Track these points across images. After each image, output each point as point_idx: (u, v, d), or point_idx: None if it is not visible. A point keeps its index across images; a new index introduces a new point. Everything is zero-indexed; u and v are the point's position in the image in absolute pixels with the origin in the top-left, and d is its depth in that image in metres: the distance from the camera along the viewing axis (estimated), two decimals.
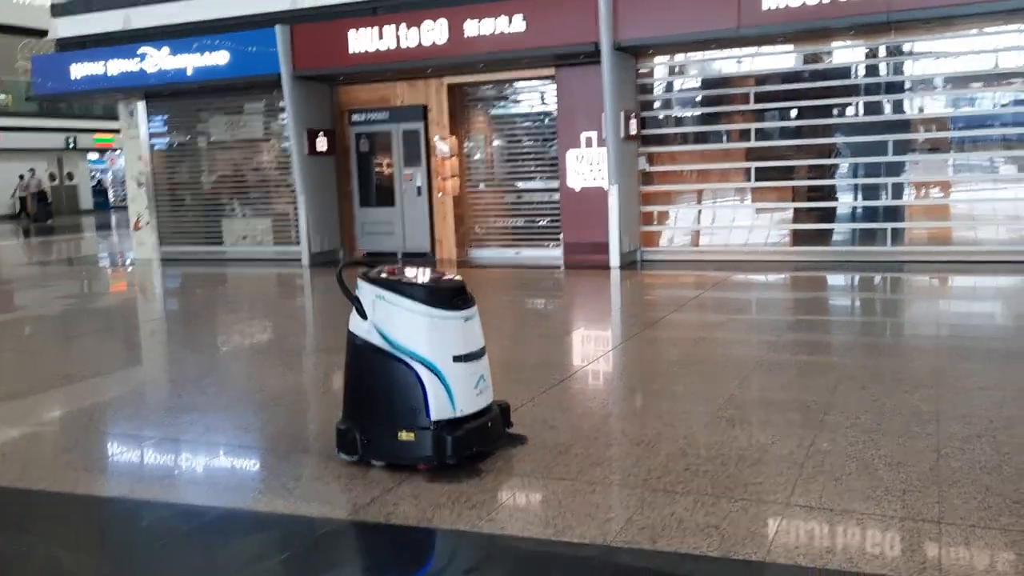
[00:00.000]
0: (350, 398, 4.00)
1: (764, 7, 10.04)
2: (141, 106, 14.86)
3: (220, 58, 12.97)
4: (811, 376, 5.58)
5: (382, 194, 13.46)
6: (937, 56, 10.64)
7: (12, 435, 4.98)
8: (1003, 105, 10.57)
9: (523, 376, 5.57)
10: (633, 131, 11.35)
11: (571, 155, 11.67)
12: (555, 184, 12.17)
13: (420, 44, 11.69)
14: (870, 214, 11.08)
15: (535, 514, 3.51)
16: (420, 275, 4.04)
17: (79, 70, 14.06)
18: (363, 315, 3.88)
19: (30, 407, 5.56)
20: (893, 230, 10.80)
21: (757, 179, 11.36)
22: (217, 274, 13.46)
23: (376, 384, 3.88)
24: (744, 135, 11.45)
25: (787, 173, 11.45)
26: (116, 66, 13.70)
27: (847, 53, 11.07)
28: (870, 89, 10.90)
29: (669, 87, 12.18)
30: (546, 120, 12.59)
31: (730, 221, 11.84)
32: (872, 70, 10.95)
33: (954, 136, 10.80)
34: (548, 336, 7.50)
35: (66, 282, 13.41)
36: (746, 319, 8.09)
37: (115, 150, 33.75)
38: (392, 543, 3.34)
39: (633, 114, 11.36)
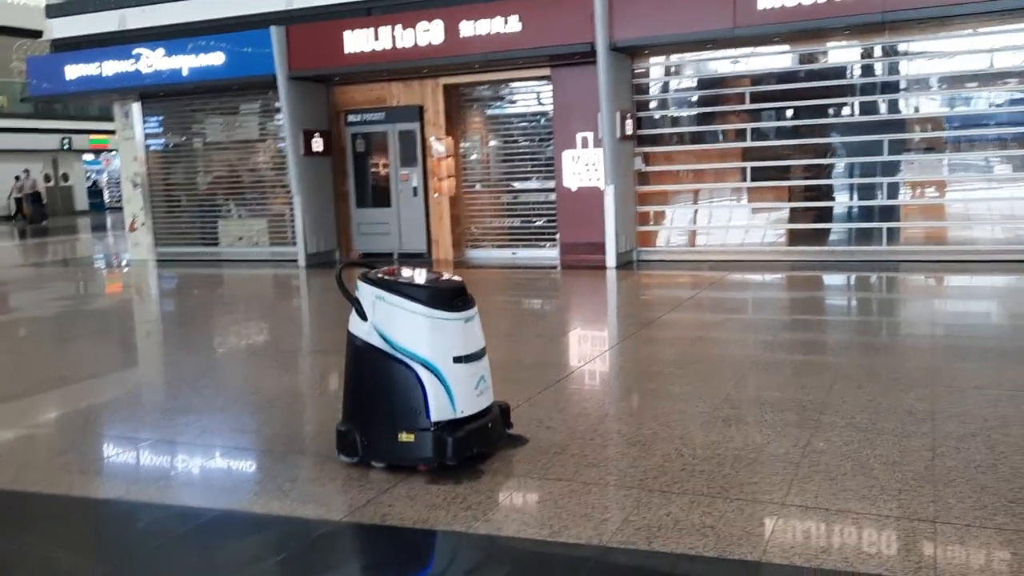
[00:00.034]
0: (350, 399, 3.99)
1: (759, 7, 10.06)
2: (136, 107, 14.85)
3: (215, 59, 12.97)
4: (807, 376, 5.59)
5: (378, 195, 13.46)
6: (932, 56, 10.66)
7: (8, 437, 4.97)
8: (998, 105, 10.60)
9: (520, 377, 5.57)
10: (629, 131, 11.36)
11: (567, 155, 11.67)
12: (551, 184, 12.18)
13: (416, 44, 11.69)
14: (866, 214, 11.10)
15: (531, 515, 3.51)
16: (420, 276, 4.04)
17: (74, 71, 14.05)
18: (363, 316, 3.88)
19: (25, 409, 5.55)
20: (889, 230, 10.82)
21: (753, 179, 11.37)
22: (213, 275, 13.44)
23: (376, 385, 3.88)
24: (740, 135, 11.46)
25: (783, 173, 11.46)
26: (111, 67, 13.68)
27: (842, 53, 11.09)
28: (865, 89, 10.91)
29: (665, 87, 12.18)
30: (542, 120, 12.59)
31: (726, 221, 11.85)
32: (867, 70, 10.98)
33: (949, 136, 10.82)
34: (544, 336, 7.50)
35: (61, 284, 13.39)
36: (742, 319, 8.10)
37: (110, 151, 33.67)
38: (388, 544, 3.34)
39: (629, 114, 11.36)
